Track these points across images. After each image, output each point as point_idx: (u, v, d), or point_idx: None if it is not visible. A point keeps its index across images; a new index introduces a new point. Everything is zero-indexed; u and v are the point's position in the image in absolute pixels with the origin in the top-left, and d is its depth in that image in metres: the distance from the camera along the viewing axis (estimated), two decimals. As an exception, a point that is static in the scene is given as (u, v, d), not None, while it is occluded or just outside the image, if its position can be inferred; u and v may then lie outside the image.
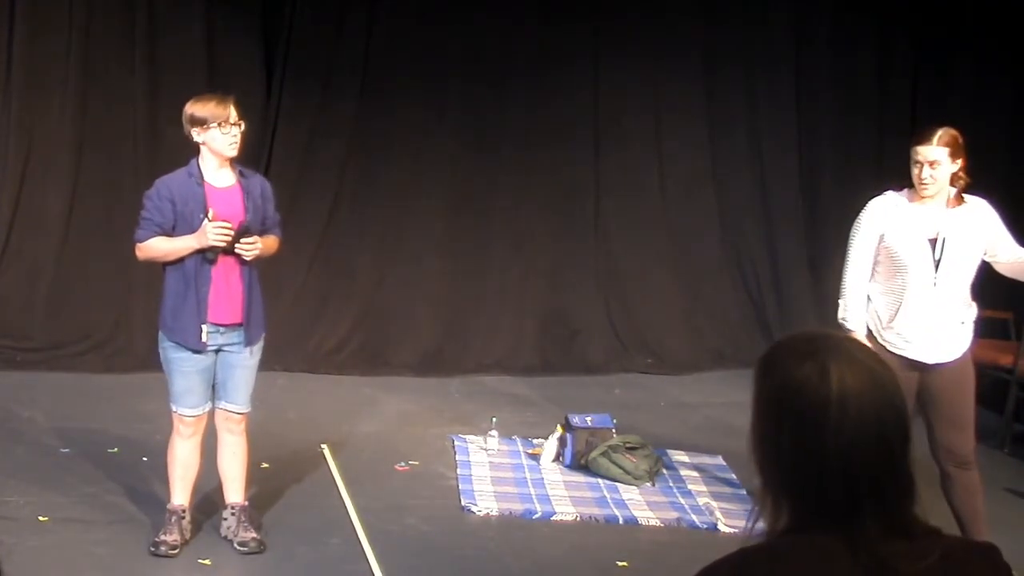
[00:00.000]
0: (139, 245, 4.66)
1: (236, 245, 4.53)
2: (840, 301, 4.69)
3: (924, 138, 4.46)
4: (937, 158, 4.42)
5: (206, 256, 4.56)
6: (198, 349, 4.62)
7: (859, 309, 4.64)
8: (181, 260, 4.59)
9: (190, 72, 7.50)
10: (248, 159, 4.66)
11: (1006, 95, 8.35)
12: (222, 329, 4.64)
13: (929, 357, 4.56)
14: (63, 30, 7.39)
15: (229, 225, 4.51)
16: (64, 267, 7.51)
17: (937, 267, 4.48)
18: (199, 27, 7.64)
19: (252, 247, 4.57)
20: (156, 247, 4.62)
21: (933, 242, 4.49)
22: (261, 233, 4.71)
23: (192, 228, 4.56)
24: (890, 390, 1.60)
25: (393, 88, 7.90)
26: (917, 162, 4.46)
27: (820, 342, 1.62)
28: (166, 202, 4.58)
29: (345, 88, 7.87)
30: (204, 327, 4.59)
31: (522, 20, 8.07)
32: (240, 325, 4.67)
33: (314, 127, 7.86)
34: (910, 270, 4.51)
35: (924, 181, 4.45)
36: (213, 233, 4.49)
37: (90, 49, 7.45)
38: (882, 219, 4.56)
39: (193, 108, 4.59)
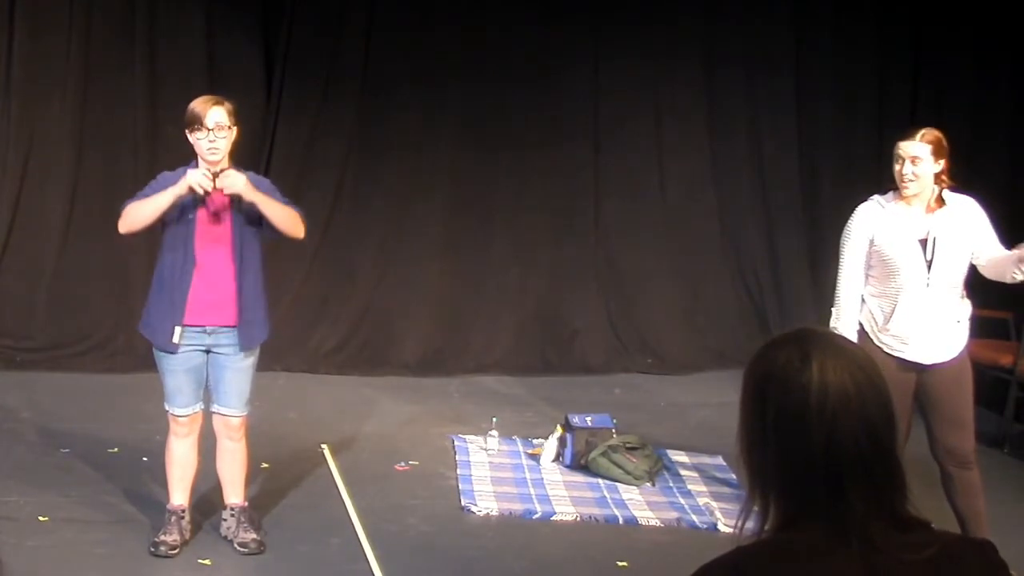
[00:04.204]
0: (122, 213, 4.54)
1: (217, 182, 4.44)
2: (833, 309, 4.69)
3: (907, 135, 4.51)
4: (918, 154, 4.43)
5: (192, 205, 4.48)
6: (169, 350, 4.58)
7: (851, 317, 4.63)
8: (168, 258, 4.56)
9: (190, 72, 7.51)
10: (248, 159, 4.66)
11: (1006, 95, 8.34)
12: (209, 330, 4.60)
13: (927, 358, 4.56)
14: (63, 30, 7.39)
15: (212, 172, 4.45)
16: (64, 267, 7.51)
17: (929, 268, 4.49)
18: (199, 27, 7.64)
19: (231, 180, 4.45)
20: (135, 207, 4.51)
21: (923, 243, 4.49)
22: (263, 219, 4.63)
23: (182, 224, 4.52)
24: (873, 377, 1.59)
25: (393, 88, 7.90)
26: (899, 158, 4.47)
27: (803, 333, 1.63)
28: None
29: (345, 88, 7.87)
30: (177, 328, 4.55)
31: (522, 20, 8.07)
32: (233, 327, 4.62)
33: (314, 127, 7.86)
34: (902, 272, 4.51)
35: (905, 177, 4.45)
36: (195, 176, 4.41)
37: (90, 49, 7.46)
38: (870, 224, 4.56)
39: (189, 107, 4.58)
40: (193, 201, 4.53)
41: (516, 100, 8.10)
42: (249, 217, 4.60)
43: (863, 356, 1.62)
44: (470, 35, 7.99)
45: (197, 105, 4.56)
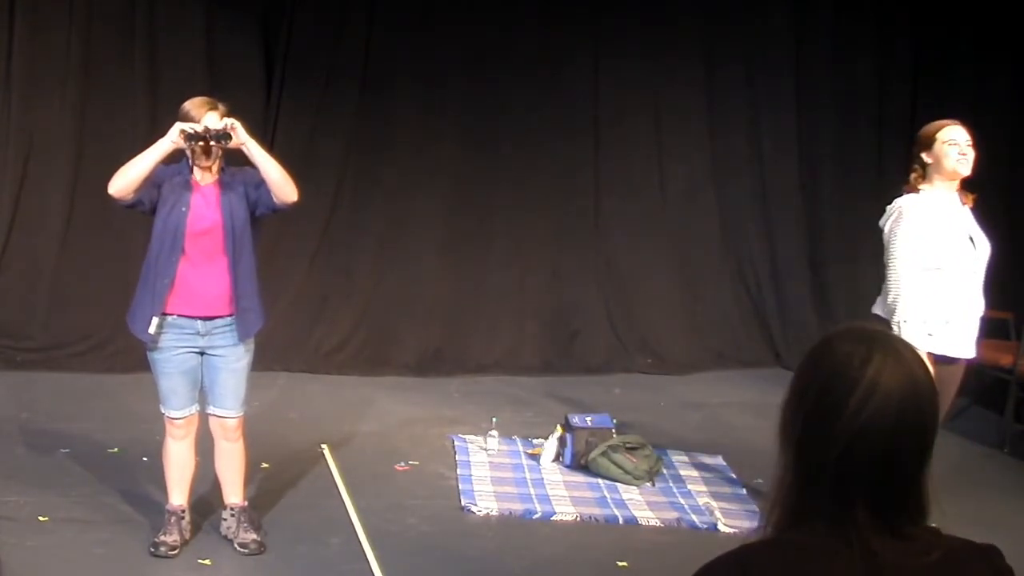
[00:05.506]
0: (112, 179, 4.45)
1: (212, 138, 4.39)
2: (895, 320, 4.40)
3: (947, 123, 4.50)
4: (970, 138, 4.46)
5: (184, 195, 4.45)
6: (146, 340, 4.55)
7: (917, 318, 4.39)
8: (155, 248, 4.52)
9: (190, 72, 7.51)
10: (247, 158, 4.61)
11: (1006, 95, 8.34)
12: (202, 328, 4.58)
13: (965, 352, 4.54)
14: (63, 29, 7.39)
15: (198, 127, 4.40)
16: (64, 267, 7.51)
17: (976, 263, 4.48)
18: (199, 27, 7.64)
19: (227, 123, 4.41)
20: (125, 165, 4.42)
21: (971, 239, 4.48)
22: (256, 200, 4.60)
23: (173, 214, 4.49)
24: (924, 398, 1.58)
25: (393, 88, 7.90)
26: (953, 142, 4.44)
27: (877, 333, 1.62)
28: (152, 186, 4.50)
29: (345, 88, 7.87)
30: (154, 319, 4.52)
31: (522, 20, 8.08)
32: (228, 317, 4.59)
33: (314, 127, 7.86)
34: (954, 269, 4.43)
35: (966, 159, 4.43)
36: (178, 127, 4.37)
37: (90, 49, 7.45)
38: (925, 220, 4.44)
39: (183, 107, 4.54)
40: (186, 202, 4.51)
41: (516, 99, 8.11)
42: (241, 207, 4.56)
43: (924, 374, 1.59)
44: (470, 35, 7.99)
45: (193, 108, 4.51)
